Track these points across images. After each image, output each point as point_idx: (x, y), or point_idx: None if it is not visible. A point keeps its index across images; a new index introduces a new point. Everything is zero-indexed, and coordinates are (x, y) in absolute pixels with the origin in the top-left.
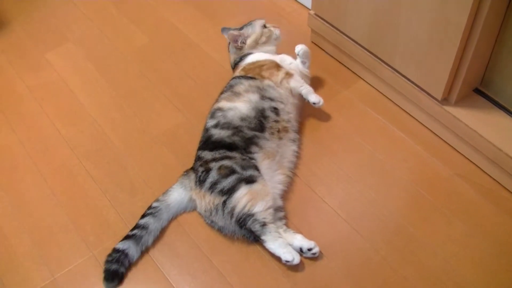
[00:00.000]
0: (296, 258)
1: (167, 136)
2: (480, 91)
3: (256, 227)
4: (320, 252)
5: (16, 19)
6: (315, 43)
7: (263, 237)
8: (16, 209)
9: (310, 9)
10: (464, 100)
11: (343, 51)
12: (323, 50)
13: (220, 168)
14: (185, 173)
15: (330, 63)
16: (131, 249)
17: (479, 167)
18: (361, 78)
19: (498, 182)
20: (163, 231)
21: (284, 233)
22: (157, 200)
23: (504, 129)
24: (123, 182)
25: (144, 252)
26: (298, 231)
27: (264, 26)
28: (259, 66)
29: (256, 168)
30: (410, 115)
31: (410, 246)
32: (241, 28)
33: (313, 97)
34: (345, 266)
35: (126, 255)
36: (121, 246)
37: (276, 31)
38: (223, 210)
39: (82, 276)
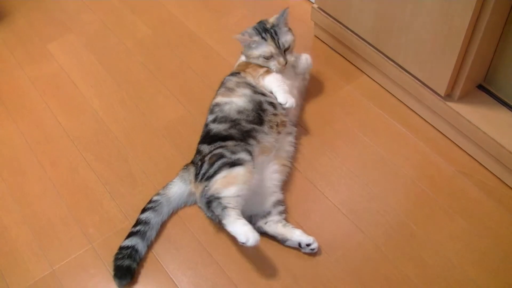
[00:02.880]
0: (251, 240)
1: (168, 129)
2: (484, 88)
3: (218, 210)
4: (320, 247)
5: (19, 10)
6: (318, 37)
7: (223, 221)
8: (16, 201)
9: (313, 3)
10: (468, 96)
11: (346, 46)
12: (326, 44)
13: (210, 157)
14: (185, 167)
15: (333, 58)
16: (139, 244)
17: (482, 164)
18: (364, 73)
19: (501, 180)
20: (163, 224)
21: (283, 227)
22: (157, 194)
23: (507, 126)
24: (123, 174)
25: (149, 247)
26: (299, 226)
27: (268, 58)
28: (247, 64)
29: (249, 152)
30: (413, 111)
31: (411, 242)
32: (265, 30)
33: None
34: (346, 261)
35: (136, 250)
36: (129, 242)
37: (276, 67)
38: (203, 193)
39: (81, 268)
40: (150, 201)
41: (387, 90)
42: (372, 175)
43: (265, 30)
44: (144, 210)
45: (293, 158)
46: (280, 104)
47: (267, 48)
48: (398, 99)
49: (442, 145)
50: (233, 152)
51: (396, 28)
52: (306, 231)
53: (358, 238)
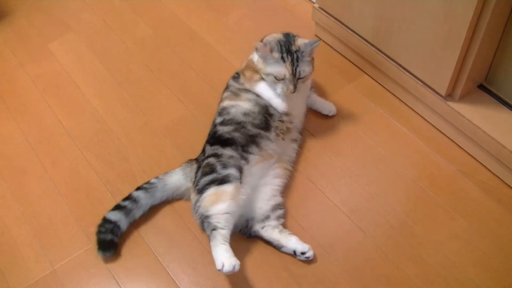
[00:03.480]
0: (225, 267)
1: (169, 128)
2: (485, 87)
3: (208, 231)
4: (321, 246)
5: (19, 9)
6: (318, 37)
7: (210, 243)
8: (17, 200)
9: (314, 2)
10: (468, 96)
11: (347, 45)
12: (327, 44)
13: (205, 166)
14: (190, 161)
15: (333, 57)
16: (122, 221)
17: (482, 164)
18: (365, 72)
19: (501, 179)
20: (164, 223)
21: (279, 233)
22: (156, 177)
23: (508, 126)
24: (124, 173)
25: (132, 224)
26: (299, 225)
27: (279, 80)
28: (248, 66)
29: (238, 168)
30: (414, 110)
31: (411, 242)
32: (288, 51)
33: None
34: (346, 260)
35: (118, 227)
36: (112, 217)
37: (283, 91)
38: (195, 209)
39: (81, 267)
40: (147, 182)
41: (388, 90)
42: (373, 174)
43: (288, 51)
44: (138, 189)
45: (292, 159)
46: (276, 109)
47: (282, 70)
48: (399, 99)
49: (443, 144)
50: (224, 167)
51: (396, 28)
52: (307, 231)
53: (358, 237)
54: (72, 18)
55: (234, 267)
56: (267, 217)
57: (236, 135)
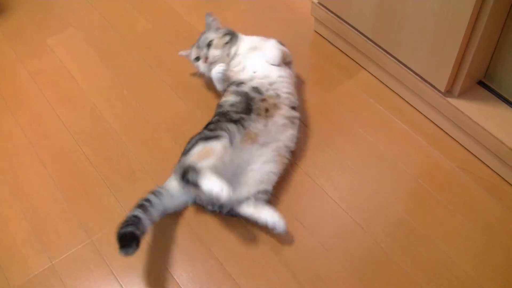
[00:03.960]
0: (225, 191)
1: (168, 123)
2: (484, 84)
3: (193, 177)
4: (320, 242)
5: (18, 4)
6: (318, 33)
7: (199, 182)
8: (15, 195)
9: None
10: (468, 92)
11: (347, 41)
12: (326, 39)
13: (190, 141)
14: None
15: (333, 53)
16: (141, 215)
17: (481, 160)
18: (364, 68)
19: (501, 176)
20: (163, 220)
21: (254, 208)
22: (158, 186)
23: (508, 122)
24: (123, 169)
25: (152, 225)
26: (298, 221)
27: (198, 59)
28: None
29: (227, 130)
30: (413, 107)
31: (410, 238)
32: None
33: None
34: (345, 257)
35: (139, 219)
36: (130, 214)
37: (202, 65)
38: (179, 164)
39: (80, 262)
40: (151, 190)
41: (387, 86)
42: (372, 171)
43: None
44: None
45: (293, 153)
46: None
47: (192, 51)
48: (398, 95)
49: (442, 141)
50: (212, 130)
51: (396, 24)
52: (305, 228)
53: (357, 234)
54: (71, 14)
55: (230, 193)
56: (247, 199)
57: (222, 119)
